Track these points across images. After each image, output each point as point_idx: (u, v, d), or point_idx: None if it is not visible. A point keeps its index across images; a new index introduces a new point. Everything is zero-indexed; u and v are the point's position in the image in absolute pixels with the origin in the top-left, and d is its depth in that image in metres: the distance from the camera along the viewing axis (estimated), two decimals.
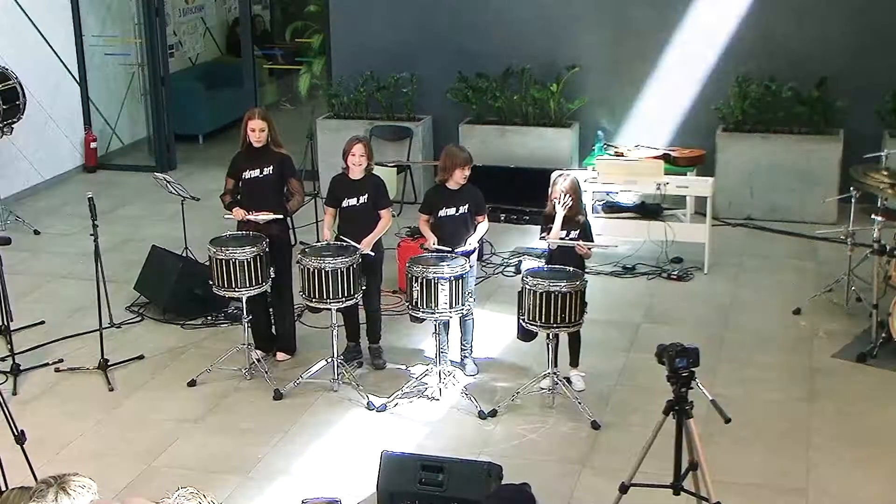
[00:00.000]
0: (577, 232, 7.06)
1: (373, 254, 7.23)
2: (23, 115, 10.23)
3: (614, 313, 8.25)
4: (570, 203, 6.98)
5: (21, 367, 7.40)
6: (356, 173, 7.29)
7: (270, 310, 7.70)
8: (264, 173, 7.39)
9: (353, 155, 7.23)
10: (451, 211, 7.25)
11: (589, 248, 7.10)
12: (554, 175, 7.47)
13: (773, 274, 9.04)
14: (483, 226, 7.38)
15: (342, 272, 7.00)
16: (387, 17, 11.20)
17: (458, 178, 7.22)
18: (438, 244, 7.16)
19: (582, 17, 10.73)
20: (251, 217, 7.34)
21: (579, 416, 6.72)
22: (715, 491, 5.16)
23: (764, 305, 8.44)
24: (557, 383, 6.88)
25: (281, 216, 7.48)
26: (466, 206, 7.25)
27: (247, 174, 7.42)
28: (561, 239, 7.04)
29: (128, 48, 12.71)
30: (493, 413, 6.83)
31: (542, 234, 7.19)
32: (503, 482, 5.76)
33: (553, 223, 7.05)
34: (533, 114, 10.72)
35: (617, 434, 6.58)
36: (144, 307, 8.53)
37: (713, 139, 10.29)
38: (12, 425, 5.56)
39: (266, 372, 7.31)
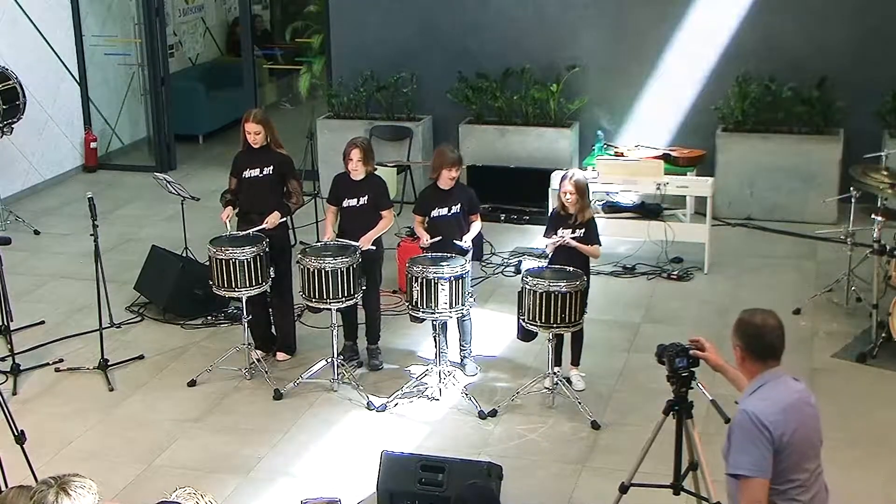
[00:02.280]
0: (583, 230, 7.04)
1: (374, 247, 7.25)
2: (23, 115, 10.24)
3: (614, 313, 8.25)
4: (571, 200, 6.98)
5: (21, 367, 7.40)
6: (356, 175, 7.31)
7: (270, 310, 7.70)
8: (264, 173, 7.40)
9: (352, 160, 7.25)
10: (444, 211, 7.25)
11: (566, 243, 6.96)
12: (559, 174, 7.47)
13: (773, 274, 9.04)
14: (476, 225, 7.37)
15: (342, 272, 7.00)
16: (387, 17, 11.19)
17: (445, 178, 7.22)
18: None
19: (582, 17, 10.72)
20: (263, 226, 7.33)
21: (579, 416, 6.72)
22: (715, 491, 5.16)
23: (764, 305, 8.35)
24: (557, 383, 6.88)
25: (286, 218, 7.53)
26: (459, 206, 7.25)
27: (247, 173, 7.44)
28: (553, 241, 7.02)
29: (128, 48, 12.70)
30: (493, 413, 6.83)
31: (544, 235, 7.17)
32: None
33: (555, 223, 7.05)
34: (533, 114, 10.71)
35: (617, 434, 6.58)
36: (144, 307, 8.53)
37: (713, 139, 10.28)
38: (12, 425, 5.57)
39: (266, 372, 7.31)
